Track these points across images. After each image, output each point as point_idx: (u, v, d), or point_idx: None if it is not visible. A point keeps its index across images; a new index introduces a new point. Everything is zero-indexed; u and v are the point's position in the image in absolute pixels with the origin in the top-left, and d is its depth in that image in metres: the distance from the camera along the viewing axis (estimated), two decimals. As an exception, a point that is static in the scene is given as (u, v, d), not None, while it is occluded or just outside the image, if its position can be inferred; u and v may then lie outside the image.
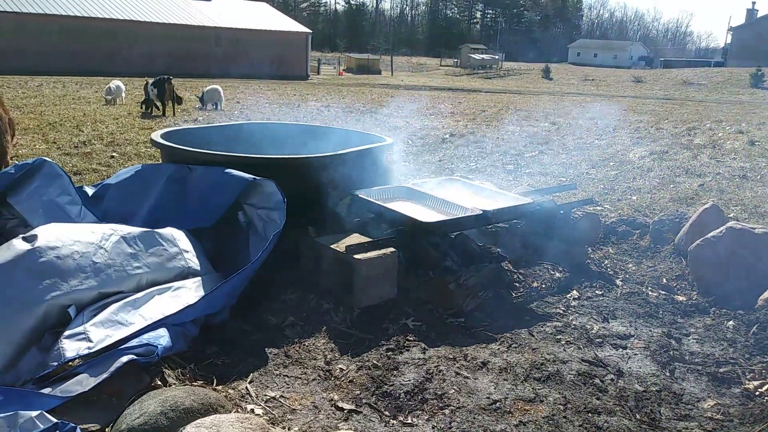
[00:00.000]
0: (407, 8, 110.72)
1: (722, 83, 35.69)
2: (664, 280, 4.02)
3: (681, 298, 3.76)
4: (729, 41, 58.99)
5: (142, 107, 12.63)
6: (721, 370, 2.90)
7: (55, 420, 1.93)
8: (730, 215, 5.11)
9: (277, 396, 2.56)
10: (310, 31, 39.56)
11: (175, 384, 2.43)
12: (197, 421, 2.04)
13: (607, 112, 16.18)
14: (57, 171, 3.63)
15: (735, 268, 3.73)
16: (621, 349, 3.08)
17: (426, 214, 3.81)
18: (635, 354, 3.04)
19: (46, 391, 2.31)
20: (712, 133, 11.06)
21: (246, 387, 2.60)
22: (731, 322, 3.42)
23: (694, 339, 3.24)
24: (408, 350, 2.97)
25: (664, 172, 7.45)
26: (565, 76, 46.50)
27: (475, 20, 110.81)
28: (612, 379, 2.78)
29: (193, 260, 3.19)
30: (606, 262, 4.35)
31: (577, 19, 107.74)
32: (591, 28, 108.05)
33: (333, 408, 2.50)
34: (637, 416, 2.49)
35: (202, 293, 2.94)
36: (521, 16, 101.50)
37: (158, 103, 12.56)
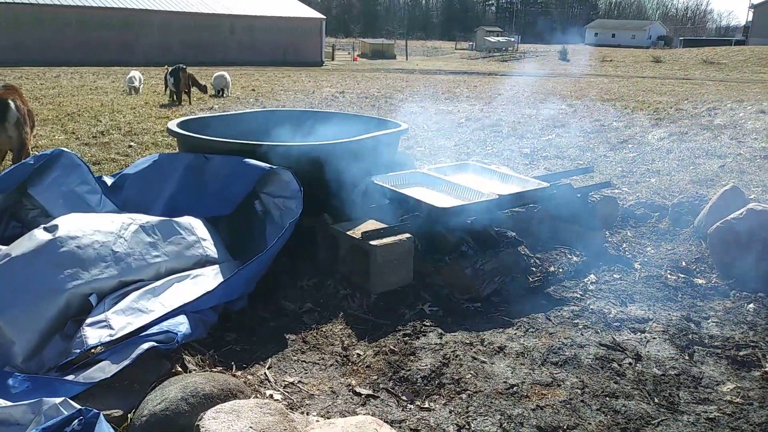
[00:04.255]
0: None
1: (744, 62, 35.00)
2: (684, 263, 3.98)
3: (700, 281, 3.72)
4: (750, 19, 57.72)
5: (169, 98, 12.79)
6: (741, 353, 2.87)
7: (78, 406, 1.96)
8: (751, 197, 5.04)
9: (296, 381, 2.59)
10: (324, 17, 39.37)
11: (195, 370, 2.47)
12: (217, 406, 2.07)
13: (625, 92, 15.95)
14: (75, 161, 3.67)
15: (756, 251, 3.68)
16: (639, 333, 3.07)
17: (442, 200, 3.80)
18: (654, 338, 3.02)
19: (70, 378, 2.36)
20: (732, 113, 10.87)
21: (265, 373, 2.63)
22: (752, 305, 3.38)
23: (714, 322, 3.21)
24: (425, 335, 2.98)
25: (683, 153, 7.35)
26: (583, 57, 45.86)
27: (490, 2, 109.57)
28: (630, 363, 2.77)
29: (210, 248, 3.22)
30: (624, 245, 4.32)
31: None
32: (608, 8, 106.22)
33: (351, 393, 2.52)
34: (656, 400, 2.49)
35: (220, 281, 2.97)
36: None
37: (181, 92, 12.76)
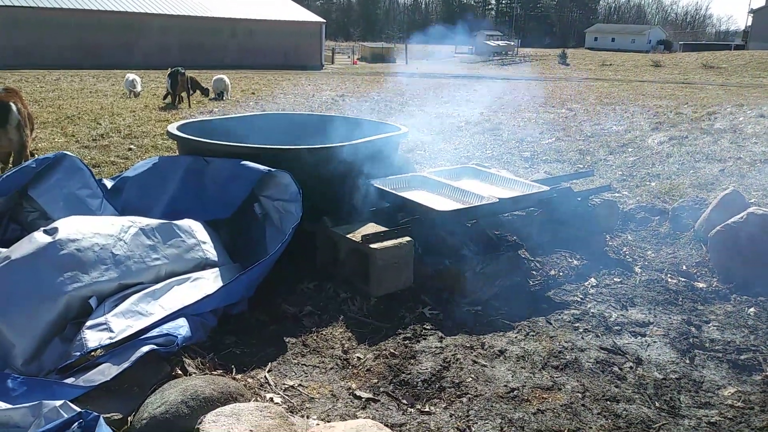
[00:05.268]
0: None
1: (743, 66, 35.05)
2: (684, 267, 3.98)
3: (701, 285, 3.72)
4: (749, 23, 57.88)
5: (163, 100, 12.89)
6: (742, 357, 2.87)
7: (78, 409, 1.96)
8: (751, 200, 5.04)
9: (296, 385, 2.58)
10: (324, 21, 39.40)
11: (195, 373, 2.46)
12: (217, 409, 2.07)
13: (624, 96, 15.96)
14: (78, 165, 3.66)
15: (756, 254, 3.68)
16: (640, 337, 3.06)
17: (442, 203, 3.80)
18: (654, 341, 3.02)
19: (69, 380, 2.35)
20: (732, 117, 10.87)
21: (265, 376, 2.62)
22: (752, 309, 3.38)
23: (715, 326, 3.21)
24: (425, 339, 2.97)
25: (683, 157, 7.35)
26: (582, 61, 45.91)
27: (490, 6, 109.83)
28: (631, 367, 2.76)
29: (210, 251, 3.22)
30: (624, 249, 4.31)
31: (593, 3, 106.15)
32: (608, 12, 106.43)
33: (351, 396, 2.51)
34: (657, 404, 2.48)
35: (220, 284, 2.96)
36: (537, 1, 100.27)
37: (178, 95, 12.82)
